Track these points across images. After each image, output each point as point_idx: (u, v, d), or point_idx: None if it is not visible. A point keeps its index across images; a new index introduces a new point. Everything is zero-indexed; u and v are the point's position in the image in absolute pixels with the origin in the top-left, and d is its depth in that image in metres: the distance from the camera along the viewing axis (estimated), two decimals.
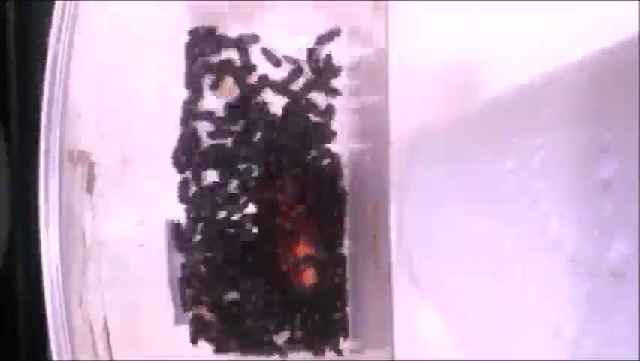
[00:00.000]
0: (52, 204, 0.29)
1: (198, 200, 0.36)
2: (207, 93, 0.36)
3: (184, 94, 0.36)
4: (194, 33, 0.36)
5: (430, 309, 0.28)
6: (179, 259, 0.36)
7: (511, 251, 0.17)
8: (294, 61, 0.36)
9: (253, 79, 0.36)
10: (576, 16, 0.29)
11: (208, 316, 0.35)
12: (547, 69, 0.17)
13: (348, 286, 0.36)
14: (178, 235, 0.35)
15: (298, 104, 0.36)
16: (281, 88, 0.36)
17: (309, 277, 0.36)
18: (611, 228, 0.12)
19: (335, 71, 0.36)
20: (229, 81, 0.36)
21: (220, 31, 0.36)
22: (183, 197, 0.36)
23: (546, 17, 0.30)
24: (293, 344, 0.35)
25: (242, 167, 0.36)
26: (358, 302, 0.35)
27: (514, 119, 0.19)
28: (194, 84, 0.36)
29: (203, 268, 0.35)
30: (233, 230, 0.36)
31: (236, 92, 0.36)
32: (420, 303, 0.28)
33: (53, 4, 0.29)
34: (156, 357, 0.32)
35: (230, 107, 0.36)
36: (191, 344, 0.35)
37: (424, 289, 0.28)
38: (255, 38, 0.36)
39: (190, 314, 0.35)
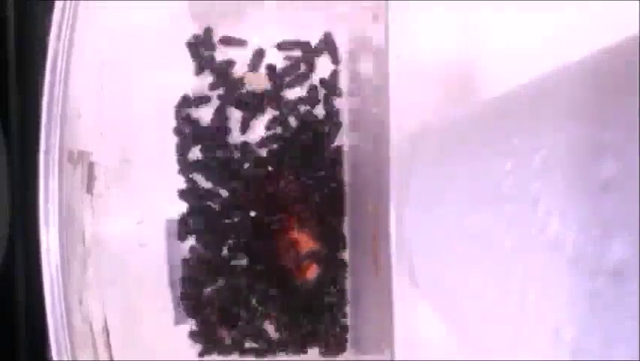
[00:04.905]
0: (52, 204, 0.29)
1: (199, 197, 0.36)
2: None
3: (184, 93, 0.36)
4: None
5: (430, 309, 0.28)
6: (179, 258, 0.36)
7: (511, 251, 0.17)
8: (293, 60, 0.36)
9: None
10: (576, 16, 0.29)
11: (209, 316, 0.35)
12: (547, 69, 0.17)
13: (347, 286, 0.36)
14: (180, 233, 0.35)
15: (297, 104, 0.36)
16: (280, 85, 0.36)
17: (312, 273, 0.36)
18: (611, 228, 0.12)
19: (335, 72, 0.36)
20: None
21: (218, 31, 0.36)
22: (183, 194, 0.36)
23: (546, 17, 0.30)
24: (291, 343, 0.35)
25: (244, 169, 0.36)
26: (358, 302, 0.35)
27: (514, 119, 0.19)
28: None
29: (204, 268, 0.35)
30: (233, 228, 0.36)
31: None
32: (420, 303, 0.28)
33: (53, 3, 0.29)
34: (156, 357, 0.32)
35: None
36: (191, 341, 0.35)
37: (424, 290, 0.28)
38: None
39: (190, 315, 0.35)
